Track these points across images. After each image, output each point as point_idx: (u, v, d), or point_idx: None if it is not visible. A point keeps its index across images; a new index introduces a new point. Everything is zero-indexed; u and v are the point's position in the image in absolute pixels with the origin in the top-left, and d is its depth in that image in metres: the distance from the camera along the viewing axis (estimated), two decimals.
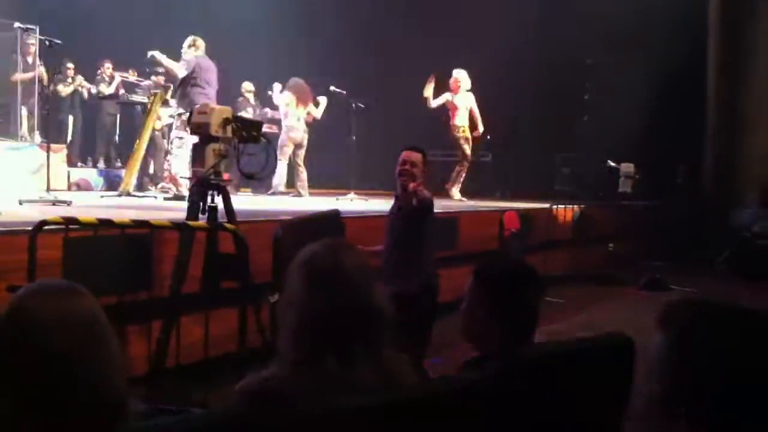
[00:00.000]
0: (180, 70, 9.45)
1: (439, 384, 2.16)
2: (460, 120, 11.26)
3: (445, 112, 11.40)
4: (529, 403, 1.93)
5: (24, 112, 11.79)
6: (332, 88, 11.31)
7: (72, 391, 1.50)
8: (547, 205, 10.75)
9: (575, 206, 11.25)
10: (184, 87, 9.44)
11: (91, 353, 1.52)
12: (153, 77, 12.25)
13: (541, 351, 2.19)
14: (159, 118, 11.28)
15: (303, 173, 11.09)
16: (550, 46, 13.73)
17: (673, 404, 1.55)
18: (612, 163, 13.61)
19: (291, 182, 11.19)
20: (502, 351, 2.19)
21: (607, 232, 11.85)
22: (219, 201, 4.63)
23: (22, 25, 10.61)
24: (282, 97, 11.16)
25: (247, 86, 12.87)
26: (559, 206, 10.89)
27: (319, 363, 1.92)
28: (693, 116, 13.42)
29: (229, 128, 4.68)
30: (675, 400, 1.54)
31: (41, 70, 11.48)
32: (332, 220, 5.37)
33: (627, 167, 13.57)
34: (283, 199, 10.59)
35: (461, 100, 11.28)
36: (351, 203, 10.05)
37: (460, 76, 11.30)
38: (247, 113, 11.74)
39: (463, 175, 11.50)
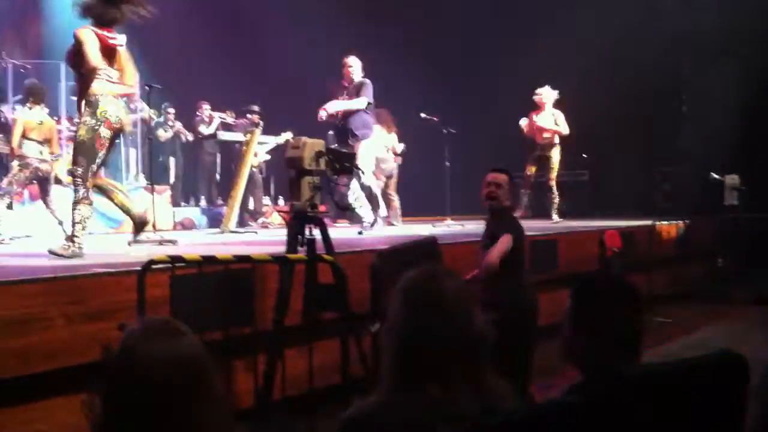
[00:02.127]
0: (363, 102, 9.22)
1: (540, 408, 2.12)
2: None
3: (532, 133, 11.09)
4: (635, 426, 1.88)
5: (132, 154, 12.22)
6: (423, 115, 11.30)
7: (176, 429, 1.53)
8: (649, 222, 10.49)
9: (679, 222, 10.92)
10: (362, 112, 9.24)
11: (194, 390, 1.56)
12: (248, 115, 12.57)
13: (646, 371, 2.13)
14: (256, 155, 11.55)
15: (396, 202, 11.04)
16: (644, 59, 13.45)
17: None
18: (715, 176, 13.16)
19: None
20: (605, 373, 2.13)
21: (714, 247, 11.46)
22: (317, 233, 4.70)
23: None
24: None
25: None
26: (662, 222, 10.60)
27: (420, 389, 1.93)
28: None
29: (321, 161, 4.75)
30: None
31: (146, 109, 11.75)
32: (429, 247, 5.36)
33: (732, 179, 13.08)
34: (379, 228, 10.61)
35: (544, 120, 11.02)
36: (448, 229, 10.01)
37: (545, 93, 11.09)
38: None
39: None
